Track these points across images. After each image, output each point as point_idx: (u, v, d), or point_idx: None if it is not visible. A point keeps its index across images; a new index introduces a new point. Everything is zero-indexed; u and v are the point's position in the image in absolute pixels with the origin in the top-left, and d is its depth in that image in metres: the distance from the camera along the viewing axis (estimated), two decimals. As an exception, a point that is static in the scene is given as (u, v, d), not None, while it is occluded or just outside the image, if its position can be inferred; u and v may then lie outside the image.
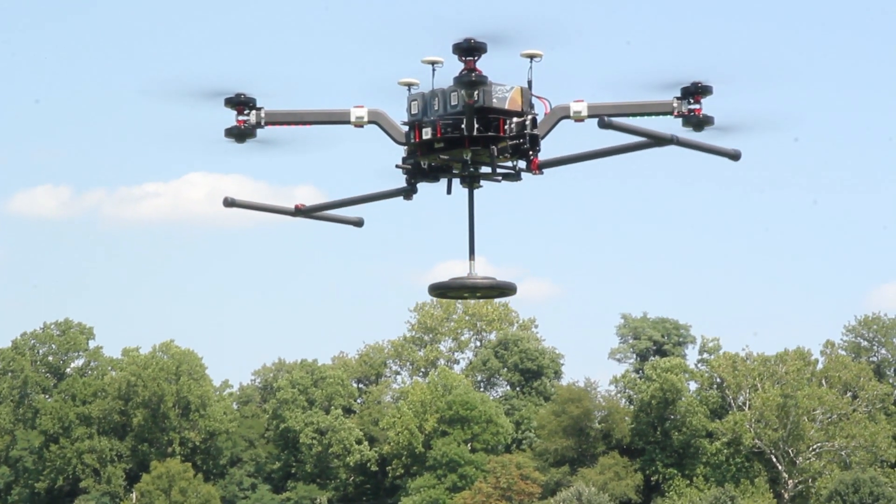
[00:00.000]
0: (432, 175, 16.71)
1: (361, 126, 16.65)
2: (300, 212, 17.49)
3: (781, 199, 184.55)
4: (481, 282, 16.56)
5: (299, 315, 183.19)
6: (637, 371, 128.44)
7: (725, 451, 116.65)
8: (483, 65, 16.24)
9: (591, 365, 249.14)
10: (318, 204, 17.64)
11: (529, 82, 16.53)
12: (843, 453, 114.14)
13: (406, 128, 16.61)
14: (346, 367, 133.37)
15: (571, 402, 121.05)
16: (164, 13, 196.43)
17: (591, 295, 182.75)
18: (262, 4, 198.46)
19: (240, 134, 16.66)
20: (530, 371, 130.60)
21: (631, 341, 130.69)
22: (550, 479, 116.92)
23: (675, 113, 16.72)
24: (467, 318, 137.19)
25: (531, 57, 16.36)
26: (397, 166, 16.74)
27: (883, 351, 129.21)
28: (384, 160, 17.01)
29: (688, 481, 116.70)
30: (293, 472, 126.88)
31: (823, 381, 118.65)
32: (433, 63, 16.37)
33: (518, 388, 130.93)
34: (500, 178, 16.75)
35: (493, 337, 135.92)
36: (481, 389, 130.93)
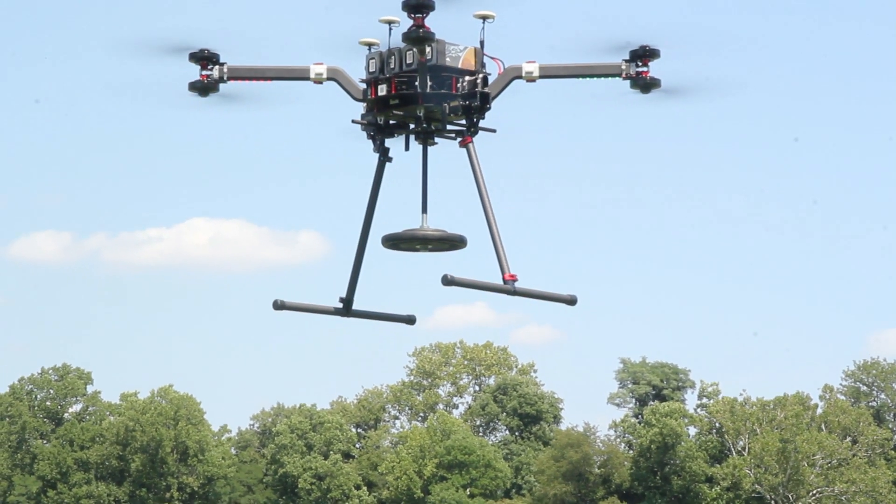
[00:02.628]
0: (388, 131, 17.25)
1: (321, 83, 17.25)
2: (347, 313, 17.95)
3: (781, 244, 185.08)
4: (432, 234, 17.16)
5: (298, 360, 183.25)
6: (636, 416, 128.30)
7: (725, 496, 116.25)
8: (438, 26, 16.78)
9: (591, 410, 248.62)
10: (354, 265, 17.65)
11: (482, 42, 17.09)
12: (843, 498, 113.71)
13: (364, 85, 17.17)
14: (344, 412, 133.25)
15: (570, 447, 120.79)
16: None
17: (590, 340, 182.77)
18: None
19: (203, 88, 17.30)
20: (529, 416, 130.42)
21: (630, 386, 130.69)
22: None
23: (624, 75, 17.25)
24: (466, 362, 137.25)
25: (484, 18, 16.95)
26: (354, 121, 17.30)
27: (882, 396, 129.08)
28: (343, 120, 17.55)
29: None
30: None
31: (823, 426, 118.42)
32: (390, 22, 16.98)
33: (517, 433, 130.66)
34: (452, 135, 17.28)
35: (491, 381, 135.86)
36: (480, 434, 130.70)
